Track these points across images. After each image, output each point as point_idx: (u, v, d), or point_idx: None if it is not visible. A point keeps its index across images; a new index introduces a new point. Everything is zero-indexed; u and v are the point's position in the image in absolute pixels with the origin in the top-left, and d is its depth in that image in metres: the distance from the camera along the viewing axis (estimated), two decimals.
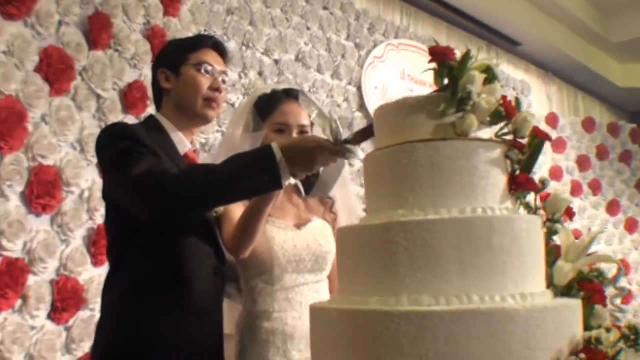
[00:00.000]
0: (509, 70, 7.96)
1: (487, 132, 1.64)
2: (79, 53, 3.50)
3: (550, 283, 1.59)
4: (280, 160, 1.78)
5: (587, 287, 1.58)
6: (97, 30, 3.60)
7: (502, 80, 7.74)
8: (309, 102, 2.01)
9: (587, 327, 1.55)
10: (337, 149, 1.80)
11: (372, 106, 6.03)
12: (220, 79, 2.14)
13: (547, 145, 8.02)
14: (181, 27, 4.38)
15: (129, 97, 3.76)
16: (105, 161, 2.01)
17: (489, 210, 1.48)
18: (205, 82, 2.11)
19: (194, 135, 2.21)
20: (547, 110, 8.40)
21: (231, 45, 4.62)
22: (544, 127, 8.13)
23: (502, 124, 1.63)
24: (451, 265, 1.40)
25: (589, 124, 8.52)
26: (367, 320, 1.40)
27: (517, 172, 1.58)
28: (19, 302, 3.05)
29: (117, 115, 3.71)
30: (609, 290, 4.08)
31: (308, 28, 5.64)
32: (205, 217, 2.07)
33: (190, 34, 4.46)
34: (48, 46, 3.32)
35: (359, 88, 6.03)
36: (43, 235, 3.18)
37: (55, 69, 3.31)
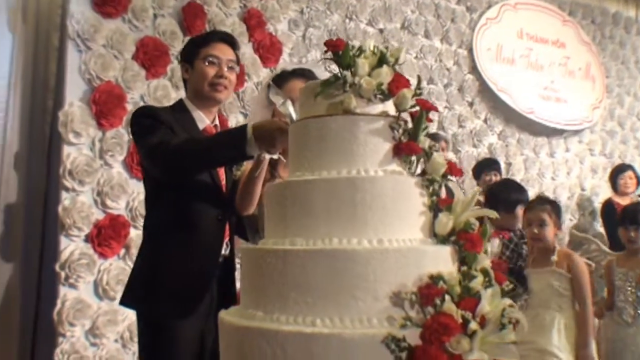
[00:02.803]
0: None
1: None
2: (174, 40, 4.09)
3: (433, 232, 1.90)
4: (250, 138, 2.25)
5: (462, 237, 1.86)
6: (190, 19, 4.16)
7: None
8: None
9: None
10: None
11: (484, 68, 6.16)
12: (226, 67, 2.60)
13: None
14: (279, 7, 4.81)
15: None
16: (134, 136, 2.57)
17: (363, 172, 1.82)
18: (211, 71, 2.58)
19: (212, 114, 2.69)
20: None
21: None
22: None
23: None
24: (320, 216, 1.78)
25: None
26: (256, 256, 1.83)
27: (403, 139, 1.89)
28: (122, 251, 3.75)
29: None
30: None
31: None
32: (212, 176, 2.56)
33: (290, 12, 4.91)
34: (144, 37, 3.94)
35: (470, 51, 6.15)
36: (143, 195, 3.82)
37: (151, 56, 3.93)
